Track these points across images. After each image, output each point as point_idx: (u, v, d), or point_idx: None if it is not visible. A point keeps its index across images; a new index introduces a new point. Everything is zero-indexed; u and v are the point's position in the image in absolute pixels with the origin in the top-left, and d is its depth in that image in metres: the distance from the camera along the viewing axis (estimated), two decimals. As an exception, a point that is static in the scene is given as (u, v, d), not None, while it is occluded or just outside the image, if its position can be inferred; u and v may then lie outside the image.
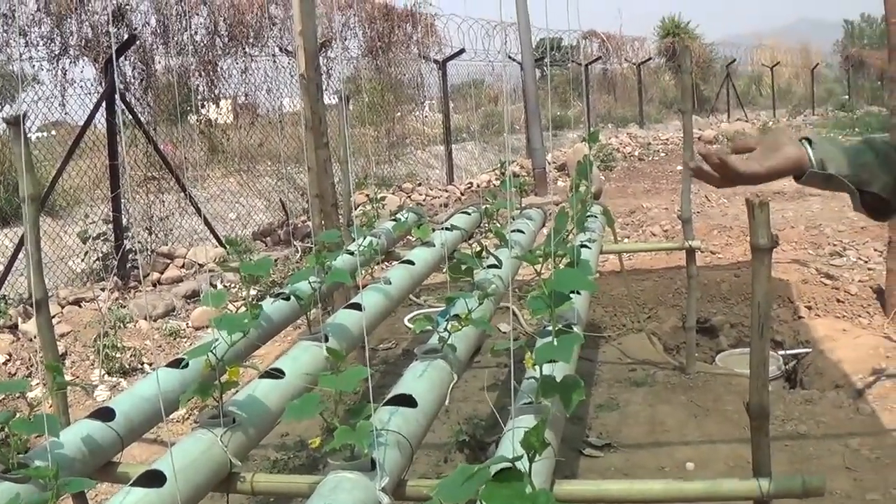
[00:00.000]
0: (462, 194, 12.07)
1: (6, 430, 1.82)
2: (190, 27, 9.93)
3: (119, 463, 2.08)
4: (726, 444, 3.56)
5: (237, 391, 2.10)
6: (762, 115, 24.51)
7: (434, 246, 3.55)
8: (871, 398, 4.01)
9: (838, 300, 5.35)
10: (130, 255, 7.10)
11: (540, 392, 1.90)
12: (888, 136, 4.87)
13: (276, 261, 6.91)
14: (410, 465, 1.90)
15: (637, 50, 22.51)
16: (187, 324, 6.01)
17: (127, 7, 9.21)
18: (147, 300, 6.23)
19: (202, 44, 10.14)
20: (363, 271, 3.60)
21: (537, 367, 1.90)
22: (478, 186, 12.31)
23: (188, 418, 4.26)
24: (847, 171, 1.41)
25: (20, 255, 6.27)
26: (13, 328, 5.72)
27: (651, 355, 4.77)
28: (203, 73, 10.13)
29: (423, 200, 11.26)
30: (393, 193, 10.96)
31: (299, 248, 7.64)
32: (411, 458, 1.89)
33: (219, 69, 10.33)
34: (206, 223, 8.08)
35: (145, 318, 5.97)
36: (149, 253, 7.54)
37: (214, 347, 1.99)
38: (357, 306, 2.70)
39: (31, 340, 5.42)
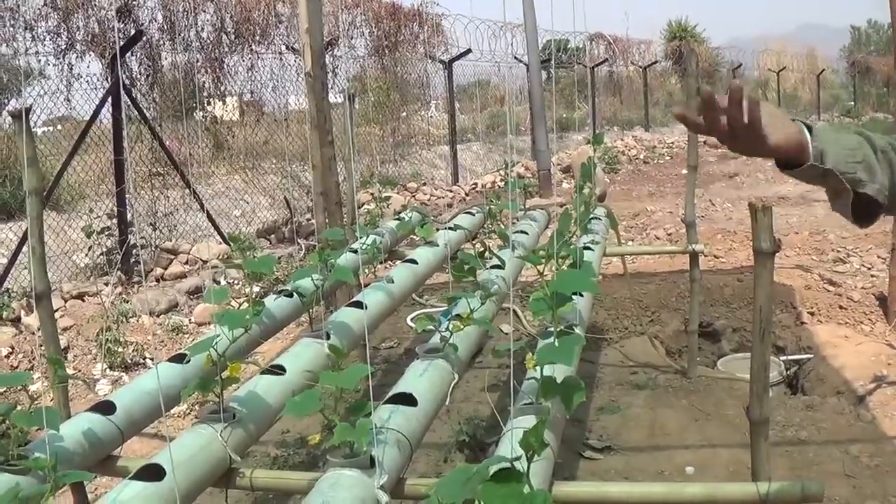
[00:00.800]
0: (467, 195, 12.07)
1: (7, 422, 1.83)
2: (197, 24, 9.95)
3: (119, 457, 2.09)
4: (727, 448, 3.55)
5: (238, 387, 2.10)
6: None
7: (437, 246, 3.55)
8: (872, 405, 4.00)
9: (841, 306, 5.34)
10: (134, 251, 7.11)
11: (540, 393, 1.90)
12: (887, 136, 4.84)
13: (279, 258, 6.91)
14: (410, 463, 1.90)
15: (643, 53, 22.52)
16: (190, 320, 6.02)
17: (134, 3, 9.22)
18: (150, 295, 6.23)
19: (209, 41, 10.16)
20: (366, 270, 3.60)
21: (538, 368, 1.90)
22: (482, 187, 12.30)
23: (189, 413, 4.26)
24: (844, 167, 1.25)
25: (24, 249, 6.28)
26: (16, 321, 5.73)
27: (653, 359, 4.76)
28: (209, 69, 10.15)
29: (428, 200, 11.26)
30: (397, 193, 10.96)
31: (303, 246, 7.64)
32: (411, 457, 1.89)
33: (225, 66, 10.36)
34: (211, 220, 8.09)
35: (148, 314, 5.99)
36: (153, 248, 7.55)
37: (216, 343, 1.99)
38: (359, 304, 2.70)
39: (33, 334, 5.44)
